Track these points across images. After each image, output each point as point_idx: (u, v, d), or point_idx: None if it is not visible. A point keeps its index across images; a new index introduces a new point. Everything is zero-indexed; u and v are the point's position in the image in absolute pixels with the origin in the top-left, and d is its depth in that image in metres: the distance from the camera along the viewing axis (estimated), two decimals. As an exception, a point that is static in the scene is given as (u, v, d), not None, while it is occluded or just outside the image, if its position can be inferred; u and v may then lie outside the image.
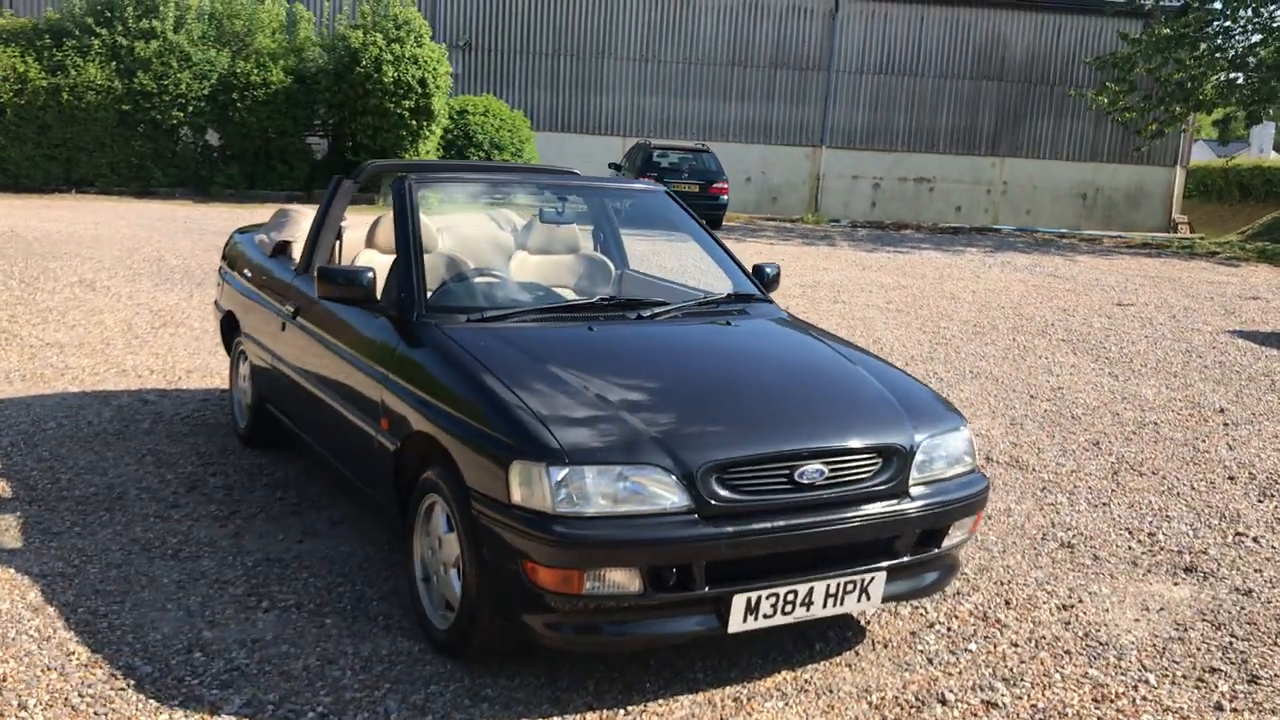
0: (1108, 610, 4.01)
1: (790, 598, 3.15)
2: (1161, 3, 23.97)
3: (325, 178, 19.63)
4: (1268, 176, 29.98)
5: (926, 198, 27.86)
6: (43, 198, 18.52)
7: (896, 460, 3.34)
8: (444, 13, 25.53)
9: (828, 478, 3.21)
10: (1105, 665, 3.58)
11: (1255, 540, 4.82)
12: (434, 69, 20.17)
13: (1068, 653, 3.65)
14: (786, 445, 3.20)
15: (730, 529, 3.03)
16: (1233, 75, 21.95)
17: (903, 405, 3.55)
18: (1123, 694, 3.39)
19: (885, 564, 3.30)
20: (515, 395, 3.21)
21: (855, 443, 3.30)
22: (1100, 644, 3.73)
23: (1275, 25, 21.50)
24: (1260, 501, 5.38)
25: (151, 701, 3.05)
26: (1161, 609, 4.05)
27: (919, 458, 3.40)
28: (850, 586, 3.24)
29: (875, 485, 3.29)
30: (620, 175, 21.36)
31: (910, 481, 3.36)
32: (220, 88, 20.03)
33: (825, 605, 3.22)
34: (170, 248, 12.61)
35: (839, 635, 3.67)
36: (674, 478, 3.03)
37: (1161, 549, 4.66)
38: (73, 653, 3.29)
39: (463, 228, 5.28)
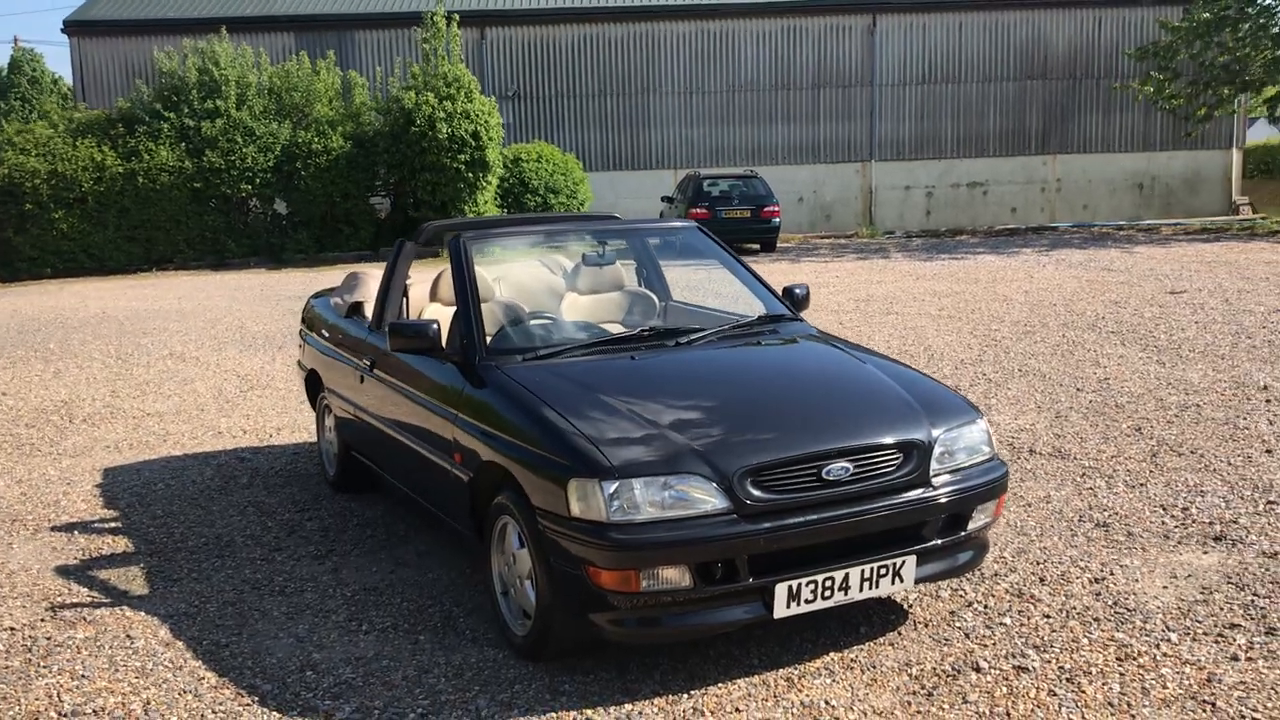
0: (1137, 580, 4.30)
1: (829, 584, 3.52)
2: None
3: (390, 236, 20.41)
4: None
5: (981, 202, 27.96)
6: (127, 278, 19.49)
7: (916, 454, 3.70)
8: (491, 66, 26.33)
9: (853, 474, 3.58)
10: (1131, 628, 3.87)
11: (1287, 507, 5.06)
12: (485, 121, 20.86)
13: (1096, 620, 3.95)
14: (813, 447, 3.58)
15: (767, 525, 3.42)
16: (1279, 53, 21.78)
17: (920, 403, 3.91)
18: (1145, 652, 3.69)
19: (914, 549, 3.66)
20: (569, 422, 3.62)
21: (876, 440, 3.67)
22: (1128, 610, 4.02)
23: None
24: (1296, 471, 5.60)
25: (275, 713, 3.50)
26: (1189, 575, 4.33)
27: (938, 450, 3.75)
28: (884, 570, 3.60)
29: (898, 478, 3.65)
30: (670, 208, 21.81)
31: (931, 472, 3.72)
32: (284, 158, 20.95)
33: (862, 589, 3.58)
34: (250, 315, 13.29)
35: (883, 618, 4.01)
36: (713, 484, 3.42)
37: (1194, 521, 4.92)
38: (203, 678, 3.76)
39: (518, 275, 5.74)
